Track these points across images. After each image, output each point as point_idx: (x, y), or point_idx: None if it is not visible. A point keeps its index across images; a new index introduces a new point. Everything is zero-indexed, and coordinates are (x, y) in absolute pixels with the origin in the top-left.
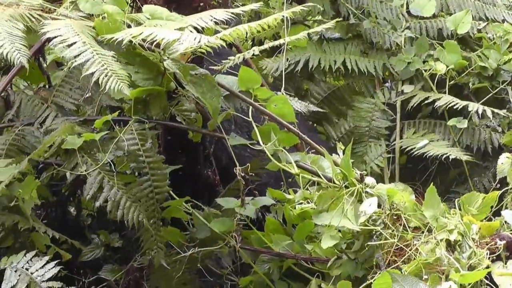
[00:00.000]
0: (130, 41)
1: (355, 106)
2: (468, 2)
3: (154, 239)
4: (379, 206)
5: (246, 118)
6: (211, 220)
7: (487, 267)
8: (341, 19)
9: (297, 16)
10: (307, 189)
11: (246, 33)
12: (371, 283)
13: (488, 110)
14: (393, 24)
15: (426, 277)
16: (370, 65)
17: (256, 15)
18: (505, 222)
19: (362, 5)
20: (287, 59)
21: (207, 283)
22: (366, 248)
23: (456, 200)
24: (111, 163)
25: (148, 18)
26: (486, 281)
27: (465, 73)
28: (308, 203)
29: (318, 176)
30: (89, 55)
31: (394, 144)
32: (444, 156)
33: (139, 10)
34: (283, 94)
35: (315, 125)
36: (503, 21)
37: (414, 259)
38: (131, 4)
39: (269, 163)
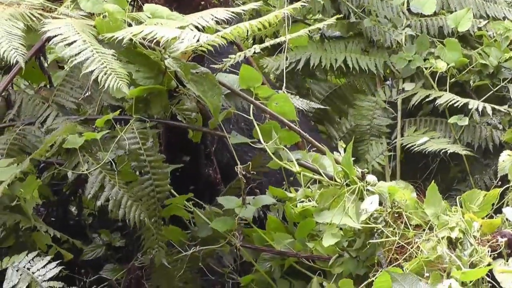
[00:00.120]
0: (131, 40)
1: (356, 105)
2: None
3: (155, 238)
4: (380, 204)
5: (247, 116)
6: (213, 219)
7: (489, 264)
8: (341, 16)
9: (298, 15)
10: (309, 187)
11: (247, 31)
12: (373, 281)
13: (488, 107)
14: (394, 22)
15: (427, 274)
16: (371, 63)
17: (257, 14)
18: (507, 219)
19: (363, 3)
20: (286, 58)
21: (208, 282)
22: (368, 246)
23: (457, 197)
24: (112, 162)
25: (149, 17)
26: (488, 279)
27: (465, 71)
28: (310, 201)
29: (320, 174)
30: (89, 54)
31: (395, 142)
32: (443, 151)
33: (140, 9)
34: (284, 92)
35: (316, 124)
36: (504, 18)
37: (416, 257)
38: (132, 3)
39: (270, 162)
